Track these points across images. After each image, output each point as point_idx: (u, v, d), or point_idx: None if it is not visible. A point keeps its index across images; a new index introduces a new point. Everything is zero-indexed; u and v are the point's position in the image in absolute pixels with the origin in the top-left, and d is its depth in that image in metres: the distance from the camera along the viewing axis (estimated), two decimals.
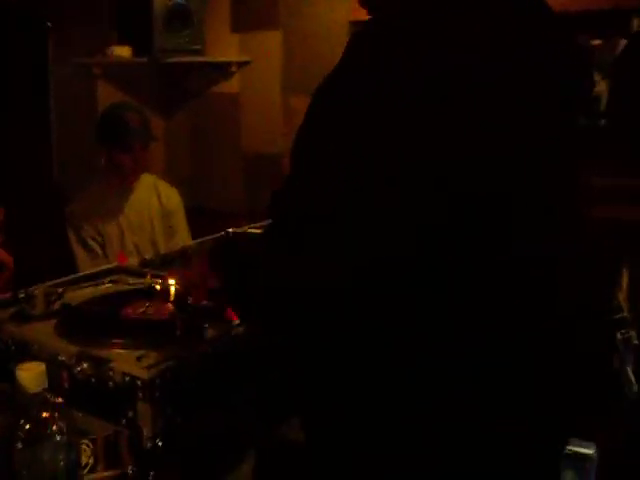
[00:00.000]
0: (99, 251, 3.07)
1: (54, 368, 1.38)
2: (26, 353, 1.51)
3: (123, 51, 4.03)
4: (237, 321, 1.64)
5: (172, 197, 3.32)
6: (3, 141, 3.56)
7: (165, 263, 2.23)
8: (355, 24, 4.02)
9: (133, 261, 2.46)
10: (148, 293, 1.85)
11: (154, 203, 3.24)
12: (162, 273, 1.99)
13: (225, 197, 4.55)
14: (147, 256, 2.82)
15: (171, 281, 1.87)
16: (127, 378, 1.35)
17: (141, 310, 1.72)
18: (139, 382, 1.33)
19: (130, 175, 3.14)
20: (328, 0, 4.12)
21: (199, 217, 3.53)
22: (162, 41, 4.00)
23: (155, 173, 3.46)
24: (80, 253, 3.05)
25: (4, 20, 3.62)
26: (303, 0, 4.21)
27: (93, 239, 3.07)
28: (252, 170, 4.50)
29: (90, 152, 3.44)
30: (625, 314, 1.71)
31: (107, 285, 2.02)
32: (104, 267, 2.20)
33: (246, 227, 2.62)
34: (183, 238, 3.25)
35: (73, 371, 1.40)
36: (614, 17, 3.14)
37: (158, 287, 1.84)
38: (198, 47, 4.15)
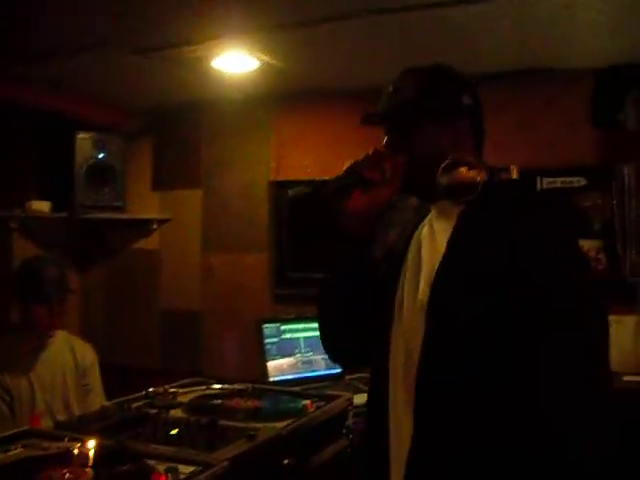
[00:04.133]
0: (6, 411, 2.90)
1: None
2: None
3: (42, 206, 4.00)
4: None
5: (87, 354, 3.22)
6: None
7: (82, 425, 2.14)
8: (274, 184, 4.16)
9: (46, 423, 2.34)
10: (64, 458, 1.75)
11: (68, 360, 3.13)
12: (79, 436, 1.90)
13: (141, 354, 4.44)
14: (60, 417, 2.70)
15: (90, 445, 1.78)
16: None
17: (59, 478, 1.61)
18: None
19: (46, 328, 3.04)
20: (248, 161, 4.27)
21: (114, 374, 3.42)
22: (82, 197, 4.01)
23: (70, 328, 3.37)
24: None
25: None
26: (223, 160, 4.34)
27: (1, 398, 2.91)
28: (169, 327, 4.44)
29: (3, 307, 3.33)
30: None
31: (19, 450, 1.90)
32: (15, 430, 2.08)
33: (166, 387, 2.57)
34: (97, 397, 3.11)
35: None
36: None
37: (76, 451, 1.75)
38: (119, 204, 4.18)
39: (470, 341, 1.39)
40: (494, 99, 3.63)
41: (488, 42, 3.20)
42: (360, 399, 3.16)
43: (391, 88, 1.66)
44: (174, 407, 2.36)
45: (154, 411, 2.27)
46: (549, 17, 2.89)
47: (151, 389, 2.48)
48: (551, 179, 3.51)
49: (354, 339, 1.66)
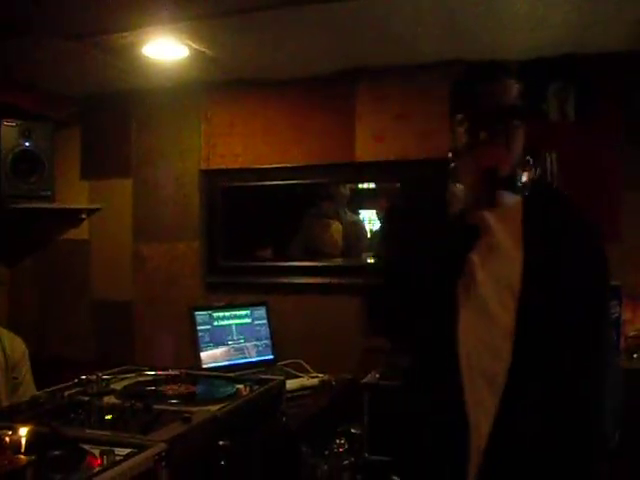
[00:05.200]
0: None
1: None
2: None
3: None
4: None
5: (17, 348, 3.15)
6: None
7: (13, 413, 2.12)
8: (205, 173, 4.17)
9: None
10: None
11: None
12: (10, 424, 1.89)
13: (74, 345, 4.39)
14: None
15: (22, 431, 1.78)
16: None
17: None
18: None
19: None
20: (179, 150, 4.26)
21: (47, 366, 3.37)
22: (9, 187, 3.93)
23: None
24: None
25: None
26: (154, 149, 4.32)
27: None
28: (101, 317, 4.40)
29: None
30: None
31: None
32: None
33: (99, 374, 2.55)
34: (28, 389, 3.06)
35: None
36: None
37: (7, 439, 1.74)
38: (47, 193, 4.11)
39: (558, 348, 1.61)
40: (424, 89, 3.77)
41: (414, 34, 3.28)
42: (292, 384, 3.23)
43: (495, 87, 1.75)
44: (108, 394, 2.36)
45: (87, 398, 2.27)
46: (473, 9, 2.97)
47: (84, 377, 2.46)
48: None
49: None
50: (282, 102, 4.02)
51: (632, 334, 3.33)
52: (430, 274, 1.71)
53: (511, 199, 1.75)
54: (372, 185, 4.10)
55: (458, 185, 1.76)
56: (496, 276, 1.68)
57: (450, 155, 1.80)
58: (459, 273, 1.69)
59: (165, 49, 3.40)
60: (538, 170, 1.79)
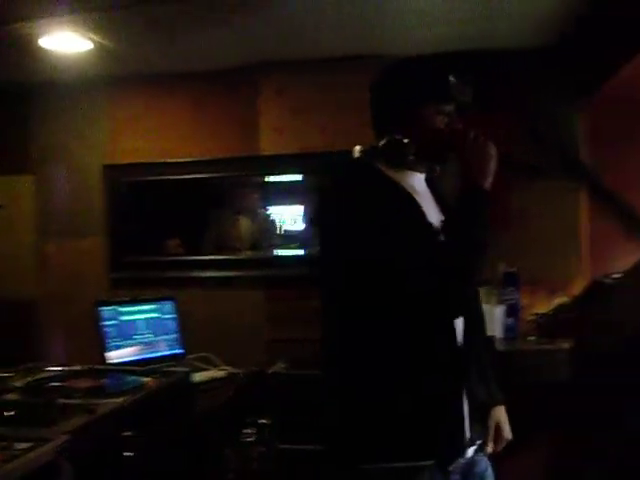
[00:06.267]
0: None
1: None
2: None
3: None
4: None
5: None
6: None
7: None
8: (109, 168, 4.11)
9: None
10: None
11: None
12: None
13: None
14: None
15: None
16: None
17: None
18: None
19: None
20: (82, 145, 4.19)
21: None
22: None
23: None
24: None
25: None
26: (56, 144, 4.23)
27: None
28: (5, 317, 4.28)
29: None
30: None
31: None
32: None
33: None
34: None
35: None
36: None
37: None
38: None
39: None
40: (326, 83, 3.84)
41: (316, 28, 3.34)
42: (201, 377, 3.25)
43: (462, 79, 1.83)
44: (10, 391, 2.32)
45: None
46: (375, 4, 3.05)
47: None
48: None
49: None
50: (185, 96, 4.01)
51: (529, 318, 3.48)
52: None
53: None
54: (299, 178, 4.09)
55: None
56: None
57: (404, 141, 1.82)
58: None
59: (65, 41, 3.34)
60: None
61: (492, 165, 1.72)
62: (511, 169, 1.77)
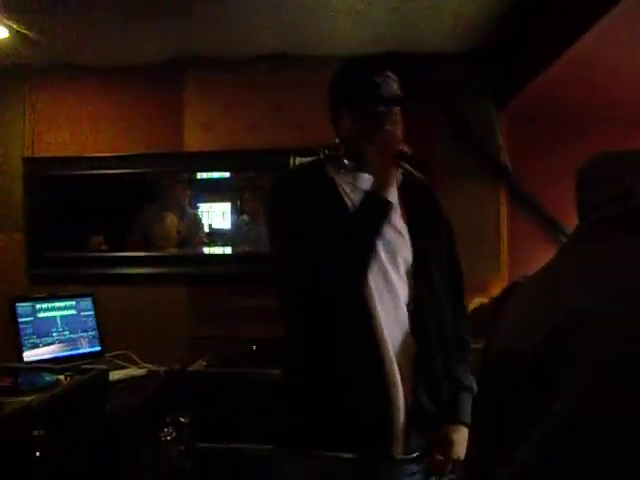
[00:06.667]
0: None
1: None
2: None
3: None
4: None
5: None
6: None
7: None
8: (30, 161, 4.00)
9: None
10: None
11: None
12: None
13: None
14: None
15: None
16: None
17: None
18: None
19: None
20: (1, 136, 4.06)
21: None
22: None
23: None
24: None
25: None
26: None
27: None
28: None
29: None
30: None
31: None
32: None
33: None
34: None
35: None
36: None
37: None
38: None
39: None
40: (252, 81, 3.83)
41: (242, 25, 3.33)
42: (119, 374, 3.20)
43: (393, 77, 1.88)
44: None
45: None
46: (297, 3, 3.06)
47: None
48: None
49: None
50: (109, 90, 3.93)
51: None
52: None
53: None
54: (226, 175, 4.05)
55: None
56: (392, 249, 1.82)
57: (337, 142, 1.89)
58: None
59: None
60: None
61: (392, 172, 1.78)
62: (404, 167, 1.77)
